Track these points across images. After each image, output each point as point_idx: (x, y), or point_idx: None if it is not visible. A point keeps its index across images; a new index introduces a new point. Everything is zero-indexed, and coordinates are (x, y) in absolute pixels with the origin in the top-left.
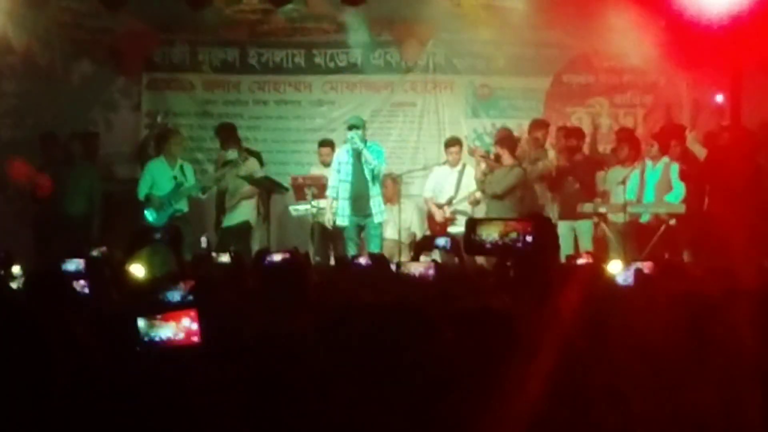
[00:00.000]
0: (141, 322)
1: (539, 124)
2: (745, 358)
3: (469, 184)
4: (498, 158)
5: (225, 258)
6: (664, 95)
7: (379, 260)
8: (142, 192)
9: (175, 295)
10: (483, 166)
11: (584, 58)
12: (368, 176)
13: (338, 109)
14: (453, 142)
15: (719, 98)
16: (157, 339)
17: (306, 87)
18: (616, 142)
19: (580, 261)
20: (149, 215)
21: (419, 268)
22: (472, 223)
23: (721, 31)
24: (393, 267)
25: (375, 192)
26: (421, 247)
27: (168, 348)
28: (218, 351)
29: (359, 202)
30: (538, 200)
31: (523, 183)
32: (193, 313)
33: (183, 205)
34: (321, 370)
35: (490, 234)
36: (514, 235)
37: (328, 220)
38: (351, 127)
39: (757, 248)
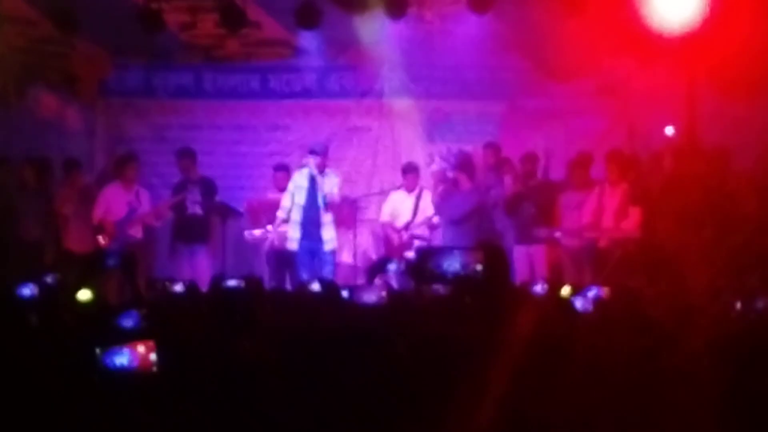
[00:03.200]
0: (98, 351)
1: (491, 148)
2: (699, 385)
3: (426, 209)
4: (456, 183)
5: (179, 286)
6: (619, 119)
7: (330, 287)
8: (95, 218)
9: (129, 322)
10: (440, 189)
11: (540, 82)
12: (321, 203)
13: (293, 134)
14: (410, 168)
15: (669, 130)
16: (113, 366)
17: (261, 112)
18: (572, 167)
19: (536, 286)
20: (103, 241)
21: (371, 295)
22: (424, 254)
23: (677, 54)
24: (345, 293)
25: (327, 219)
26: (374, 271)
27: (125, 376)
28: (174, 378)
29: (311, 228)
30: (494, 225)
31: (480, 208)
32: (150, 343)
33: (137, 232)
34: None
35: (441, 264)
36: (465, 264)
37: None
38: (312, 152)
39: (712, 272)
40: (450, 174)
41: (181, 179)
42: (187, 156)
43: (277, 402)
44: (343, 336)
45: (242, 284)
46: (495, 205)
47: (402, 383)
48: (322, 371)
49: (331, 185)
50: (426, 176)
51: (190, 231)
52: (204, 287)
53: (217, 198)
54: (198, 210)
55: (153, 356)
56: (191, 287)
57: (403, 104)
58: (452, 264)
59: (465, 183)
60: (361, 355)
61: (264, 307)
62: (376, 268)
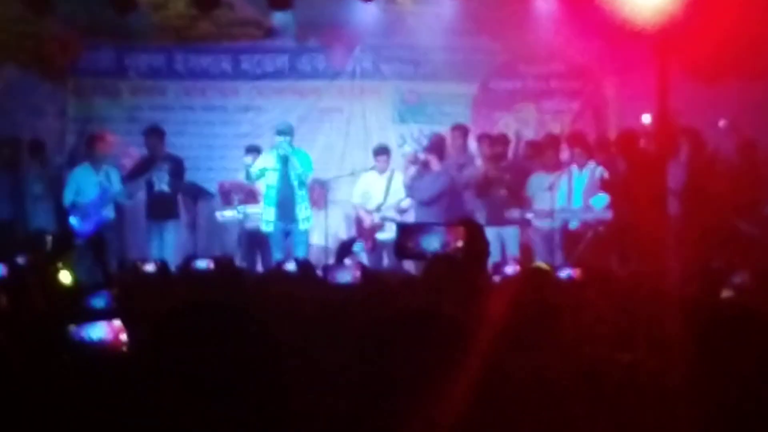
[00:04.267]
0: (72, 327)
1: (459, 129)
2: (673, 364)
3: (398, 191)
4: (426, 164)
5: (150, 266)
6: (590, 101)
7: (306, 266)
8: (67, 199)
9: (99, 302)
10: (412, 171)
11: (511, 64)
12: (295, 182)
13: (265, 115)
14: (381, 150)
15: (646, 119)
16: (88, 340)
17: (233, 92)
18: (542, 149)
19: (508, 267)
20: (75, 222)
21: (346, 274)
22: (404, 229)
23: (648, 37)
24: (320, 272)
25: (301, 198)
26: (342, 251)
27: (98, 351)
28: (145, 358)
29: (285, 208)
30: (465, 206)
31: (450, 190)
32: (119, 323)
33: (109, 212)
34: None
35: (422, 240)
36: (444, 241)
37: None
38: (279, 133)
39: (683, 252)
40: (421, 156)
41: (148, 156)
42: (154, 134)
43: (254, 382)
44: (322, 315)
45: (212, 265)
46: (466, 186)
47: (379, 361)
48: (301, 351)
49: (305, 163)
50: (398, 158)
51: (158, 208)
52: (173, 264)
53: (189, 178)
54: (165, 188)
55: (123, 336)
56: (162, 267)
57: (374, 86)
58: (433, 241)
59: (435, 165)
60: (340, 333)
61: (242, 288)
62: (345, 249)
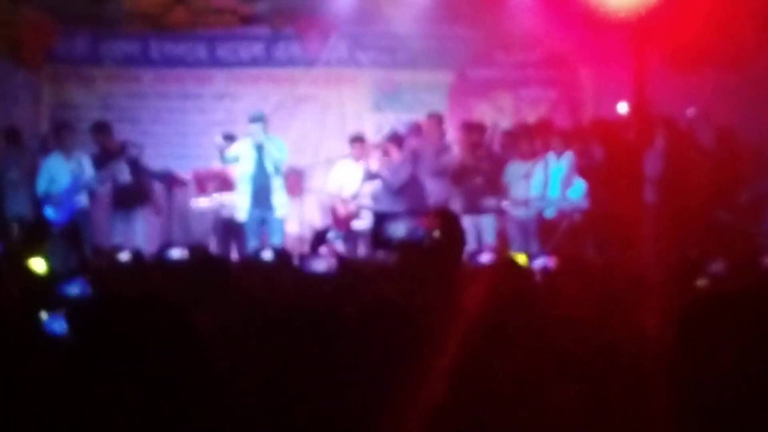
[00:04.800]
0: (44, 315)
1: (435, 117)
2: (651, 353)
3: (374, 179)
4: (387, 153)
5: (125, 255)
6: (567, 89)
7: (282, 255)
8: (40, 188)
9: (74, 289)
10: (384, 159)
11: (488, 52)
12: (270, 170)
13: (240, 103)
14: (357, 138)
15: (622, 107)
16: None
17: (208, 80)
18: (517, 137)
19: (484, 256)
20: (49, 212)
21: (322, 263)
22: (380, 219)
23: (625, 26)
24: (296, 260)
25: (277, 185)
26: (317, 240)
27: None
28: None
29: (261, 196)
30: (428, 196)
31: (412, 179)
32: None
33: (83, 199)
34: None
35: (397, 229)
36: (421, 230)
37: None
38: (253, 120)
39: (659, 241)
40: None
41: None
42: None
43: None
44: (300, 305)
45: (186, 253)
46: (443, 174)
47: (356, 352)
48: (279, 341)
49: (280, 150)
50: (374, 146)
51: (122, 199)
52: (145, 252)
53: (163, 166)
54: (126, 178)
55: None
56: (137, 256)
57: (350, 73)
58: (407, 230)
59: (395, 154)
60: (317, 324)
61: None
62: (320, 238)
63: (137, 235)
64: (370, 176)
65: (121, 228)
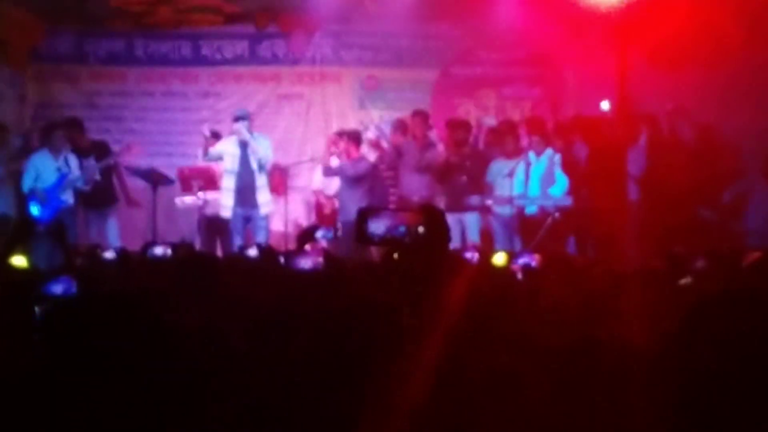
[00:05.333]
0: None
1: (420, 115)
2: (631, 350)
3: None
4: (348, 152)
5: (110, 253)
6: (550, 87)
7: (268, 253)
8: (26, 185)
9: (58, 288)
10: (373, 156)
11: (471, 50)
12: (255, 167)
13: (225, 101)
14: (341, 136)
15: (605, 105)
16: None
17: (192, 78)
18: (500, 135)
19: (468, 254)
20: (34, 209)
21: (308, 260)
22: (363, 214)
23: (608, 24)
24: (281, 259)
25: (261, 183)
26: (303, 238)
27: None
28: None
29: (245, 194)
30: (413, 193)
31: (372, 175)
32: None
33: (69, 198)
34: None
35: (381, 225)
36: (404, 226)
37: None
38: (237, 119)
39: (643, 238)
40: (384, 143)
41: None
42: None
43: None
44: (284, 302)
45: (170, 251)
46: (427, 171)
47: (339, 349)
48: (263, 339)
49: (265, 148)
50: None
51: (94, 198)
52: (117, 251)
53: (148, 164)
54: (97, 177)
55: None
56: (122, 253)
57: (334, 72)
58: (390, 226)
59: (353, 153)
60: (301, 321)
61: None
62: (306, 235)
63: (111, 234)
64: (329, 172)
65: (93, 228)
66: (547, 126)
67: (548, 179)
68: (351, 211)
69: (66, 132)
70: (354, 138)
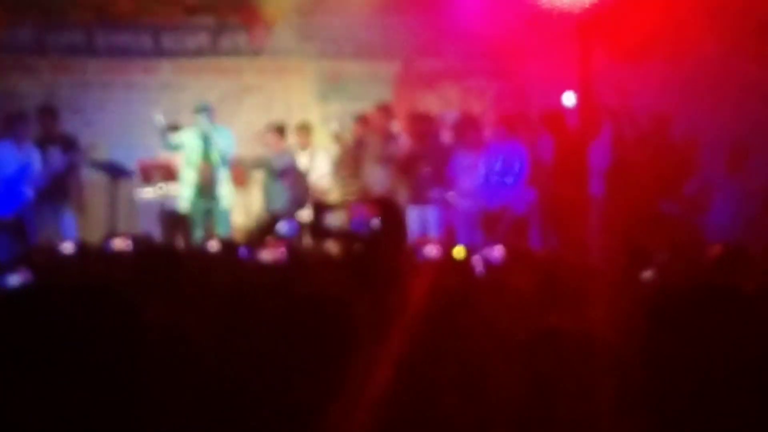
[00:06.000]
0: None
1: (382, 108)
2: (598, 345)
3: (319, 168)
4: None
5: (68, 246)
6: (513, 80)
7: (228, 245)
8: None
9: (15, 280)
10: (335, 149)
11: (434, 43)
12: (216, 160)
13: (186, 93)
14: (303, 127)
15: (569, 98)
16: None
17: (153, 70)
18: (463, 128)
19: (428, 247)
20: None
21: (270, 253)
22: (320, 208)
23: (571, 17)
24: (242, 251)
25: (222, 176)
26: (264, 231)
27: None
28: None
29: (206, 186)
30: (374, 186)
31: (293, 168)
32: None
33: (29, 191)
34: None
35: (337, 218)
36: (361, 219)
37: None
38: (198, 111)
39: (606, 232)
40: (346, 135)
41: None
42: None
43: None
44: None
45: (130, 244)
46: (386, 162)
47: (300, 343)
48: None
49: (226, 140)
50: (320, 136)
51: (53, 190)
52: (73, 247)
53: (108, 156)
54: (60, 167)
55: None
56: (80, 246)
57: (296, 64)
58: (347, 219)
59: (279, 145)
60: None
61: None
62: (266, 228)
63: (67, 228)
64: (256, 164)
65: (50, 221)
66: (512, 119)
67: (512, 173)
68: (275, 203)
69: (40, 119)
70: (279, 131)
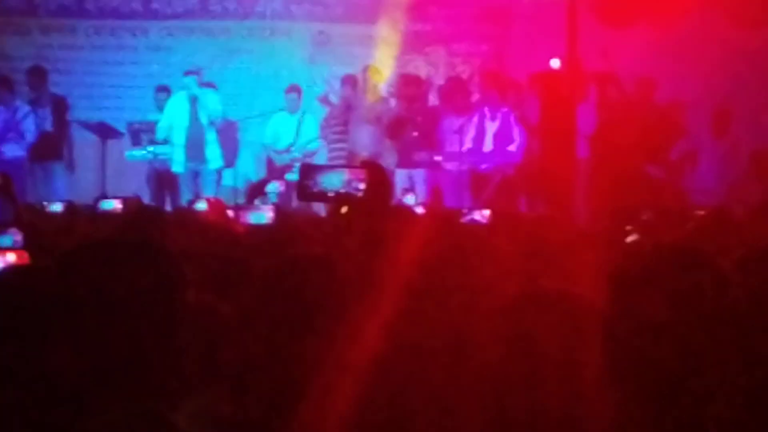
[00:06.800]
0: None
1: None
2: (582, 309)
3: (308, 132)
4: None
5: (57, 206)
6: (500, 44)
7: (216, 206)
8: None
9: (5, 241)
10: (323, 113)
11: (422, 6)
12: (204, 122)
13: (175, 55)
14: (292, 89)
15: (555, 63)
16: None
17: (143, 32)
18: (451, 91)
19: (417, 209)
20: None
21: (260, 215)
22: (307, 170)
23: None
24: (230, 213)
25: (211, 138)
26: (253, 192)
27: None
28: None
29: (195, 148)
30: (363, 149)
31: None
32: (23, 254)
33: (19, 150)
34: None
35: (323, 180)
36: (348, 182)
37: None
38: (187, 73)
39: (591, 195)
40: (333, 98)
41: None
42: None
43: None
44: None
45: (120, 205)
46: (377, 124)
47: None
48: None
49: (214, 103)
50: (309, 99)
51: (42, 149)
52: (62, 207)
53: (98, 118)
54: (48, 127)
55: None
56: (69, 207)
57: (285, 27)
58: (334, 180)
59: None
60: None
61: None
62: (256, 190)
63: (58, 189)
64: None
65: (39, 181)
66: (499, 83)
67: (501, 136)
68: None
69: (29, 79)
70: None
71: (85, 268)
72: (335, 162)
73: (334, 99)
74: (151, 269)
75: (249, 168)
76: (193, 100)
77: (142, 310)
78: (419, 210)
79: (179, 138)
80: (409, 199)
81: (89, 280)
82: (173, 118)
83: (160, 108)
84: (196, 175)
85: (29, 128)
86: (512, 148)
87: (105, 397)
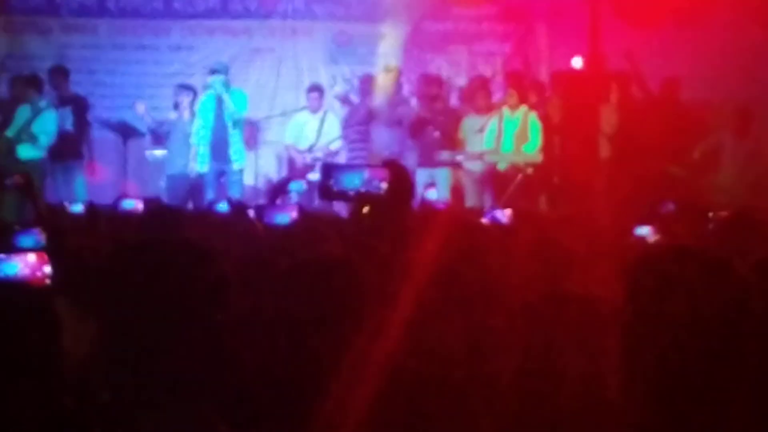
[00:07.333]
0: None
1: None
2: (602, 312)
3: (330, 131)
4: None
5: (78, 207)
6: (522, 44)
7: (238, 207)
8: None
9: (28, 241)
10: (343, 111)
11: (443, 6)
12: (229, 122)
13: (196, 55)
14: (314, 89)
15: (577, 62)
16: (3, 276)
17: (164, 32)
18: (472, 91)
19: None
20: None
21: (283, 215)
22: (328, 169)
23: None
24: (252, 213)
25: (236, 138)
26: (275, 191)
27: (14, 286)
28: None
29: (219, 148)
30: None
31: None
32: (43, 255)
33: (40, 151)
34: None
35: (344, 180)
36: (369, 181)
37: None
38: (213, 72)
39: (613, 196)
40: (353, 98)
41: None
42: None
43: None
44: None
45: (141, 205)
46: (398, 125)
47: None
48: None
49: (240, 102)
50: (330, 98)
51: (62, 149)
52: (81, 206)
53: (119, 117)
54: (69, 127)
55: (47, 268)
56: (90, 207)
57: (306, 26)
58: (355, 180)
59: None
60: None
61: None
62: (278, 189)
63: (78, 188)
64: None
65: (62, 182)
66: (521, 82)
67: (523, 136)
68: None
69: (51, 78)
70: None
71: (138, 268)
72: (356, 161)
73: (354, 98)
74: (202, 271)
75: (270, 168)
76: (219, 100)
77: (195, 313)
78: (440, 206)
79: (204, 138)
80: (431, 194)
81: (141, 279)
82: (200, 119)
83: (177, 107)
84: (220, 175)
85: (50, 128)
86: (529, 147)
87: (158, 399)
